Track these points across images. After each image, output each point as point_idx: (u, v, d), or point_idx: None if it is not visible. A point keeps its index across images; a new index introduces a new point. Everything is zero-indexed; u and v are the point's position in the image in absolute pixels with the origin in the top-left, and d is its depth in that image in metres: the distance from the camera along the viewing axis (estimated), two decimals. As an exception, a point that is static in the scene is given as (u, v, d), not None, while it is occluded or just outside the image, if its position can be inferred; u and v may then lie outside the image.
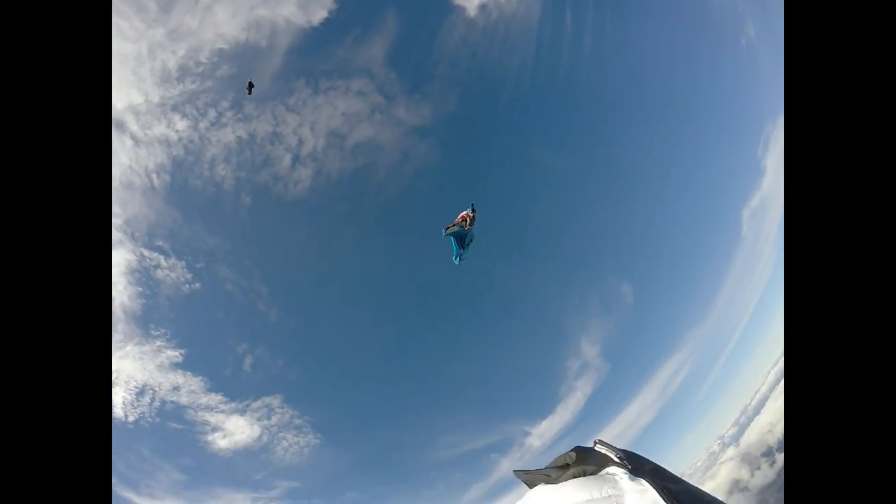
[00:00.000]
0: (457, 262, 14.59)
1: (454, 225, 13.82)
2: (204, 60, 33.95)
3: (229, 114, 33.76)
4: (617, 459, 1.12)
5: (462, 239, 14.21)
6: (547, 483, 1.26)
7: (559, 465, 1.27)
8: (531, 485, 1.32)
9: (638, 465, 1.14)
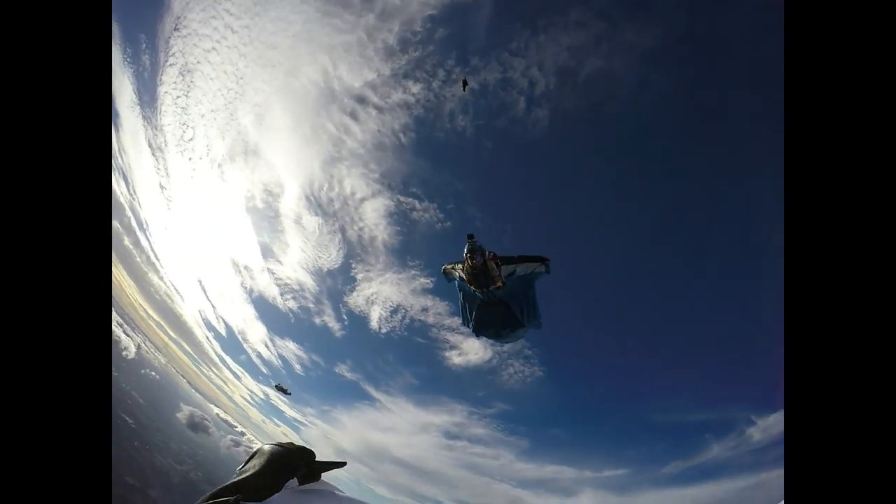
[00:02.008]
0: (469, 326, 7.06)
1: (452, 268, 6.71)
2: (419, 29, 38.59)
3: (457, 70, 38.00)
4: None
5: (477, 300, 6.67)
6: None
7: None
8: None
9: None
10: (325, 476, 1.16)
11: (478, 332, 7.01)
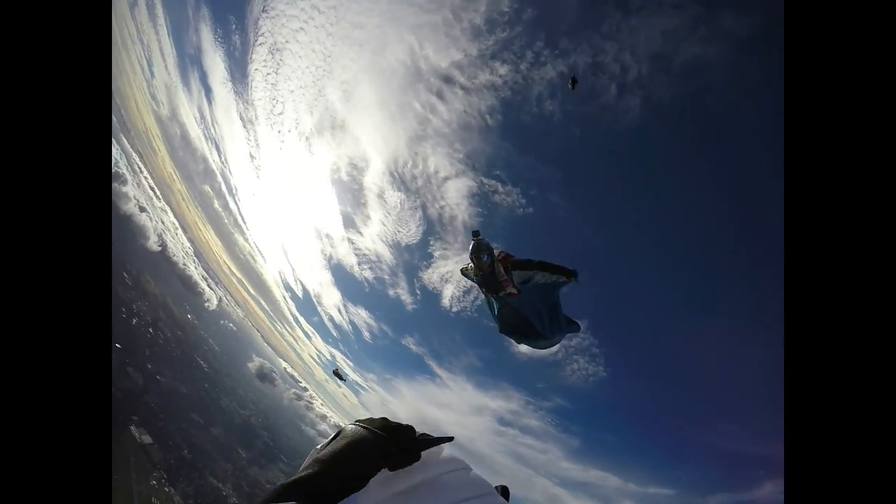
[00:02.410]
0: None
1: (467, 268, 5.79)
2: (506, 9, 37.50)
3: (546, 52, 36.89)
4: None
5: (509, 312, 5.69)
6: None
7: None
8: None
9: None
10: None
11: (504, 332, 6.16)
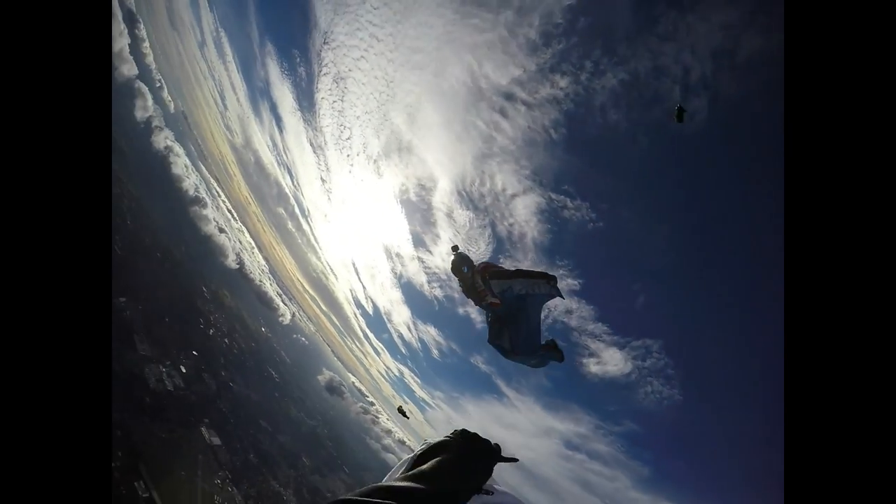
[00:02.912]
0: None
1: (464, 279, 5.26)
2: (560, 20, 37.87)
3: (605, 60, 36.39)
4: None
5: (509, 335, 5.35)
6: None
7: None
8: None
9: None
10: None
11: (489, 342, 5.78)
